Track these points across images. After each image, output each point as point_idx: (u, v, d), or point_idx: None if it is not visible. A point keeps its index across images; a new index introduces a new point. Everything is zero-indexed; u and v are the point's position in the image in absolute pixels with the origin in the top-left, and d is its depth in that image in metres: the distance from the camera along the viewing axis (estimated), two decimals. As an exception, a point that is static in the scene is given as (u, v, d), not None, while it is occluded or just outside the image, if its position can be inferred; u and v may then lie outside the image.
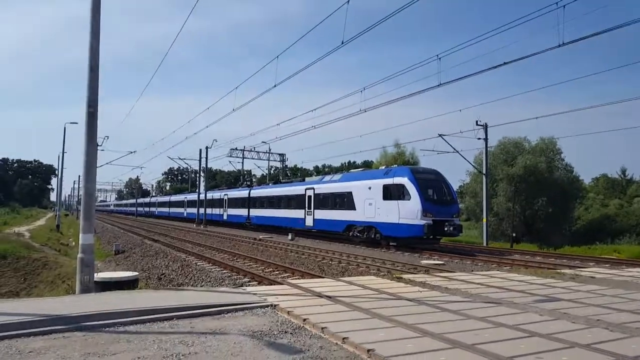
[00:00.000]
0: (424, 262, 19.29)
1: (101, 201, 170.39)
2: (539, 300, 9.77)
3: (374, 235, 27.03)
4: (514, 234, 37.25)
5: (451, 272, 15.37)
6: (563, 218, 46.97)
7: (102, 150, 54.99)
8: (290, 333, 6.90)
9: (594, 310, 8.76)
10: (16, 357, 5.66)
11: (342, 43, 17.90)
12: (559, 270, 15.62)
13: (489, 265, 18.75)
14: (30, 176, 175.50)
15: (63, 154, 57.20)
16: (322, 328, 6.94)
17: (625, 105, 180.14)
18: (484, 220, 34.30)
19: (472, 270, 16.29)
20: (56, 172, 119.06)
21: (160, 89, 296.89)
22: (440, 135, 33.80)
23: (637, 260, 20.86)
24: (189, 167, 73.56)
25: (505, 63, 17.92)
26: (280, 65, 22.86)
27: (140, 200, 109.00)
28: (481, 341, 6.35)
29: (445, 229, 24.15)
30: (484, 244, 32.55)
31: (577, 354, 5.93)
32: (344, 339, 6.37)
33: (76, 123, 52.18)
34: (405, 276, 13.32)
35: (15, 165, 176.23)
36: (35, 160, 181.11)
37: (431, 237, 24.78)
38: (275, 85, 23.02)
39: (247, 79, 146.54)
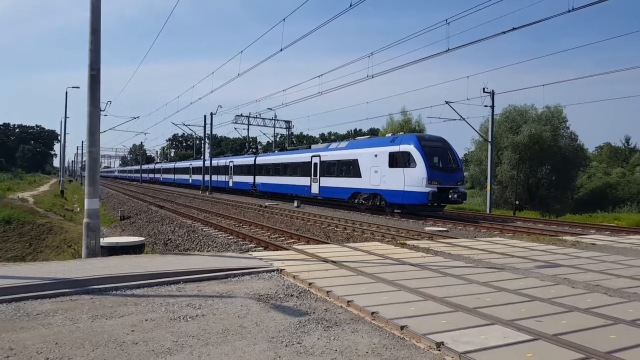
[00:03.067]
0: (428, 228, 19.39)
1: (105, 167, 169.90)
2: (540, 266, 9.89)
3: (379, 203, 27.10)
4: (517, 202, 37.28)
5: (454, 238, 15.48)
6: (566, 186, 47.04)
7: (106, 115, 55.00)
8: (296, 296, 7.03)
9: (593, 276, 8.87)
10: (24, 319, 5.75)
11: (350, 6, 17.61)
12: (560, 237, 15.71)
13: (492, 232, 18.83)
14: (32, 142, 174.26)
15: (65, 119, 57.03)
16: (327, 292, 7.06)
17: (632, 72, 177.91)
18: (488, 188, 34.32)
19: (475, 237, 16.38)
20: (59, 137, 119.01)
21: (163, 54, 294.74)
22: (447, 102, 33.46)
23: (637, 228, 20.88)
24: (193, 134, 73.32)
25: (514, 28, 17.68)
26: (286, 30, 22.58)
27: (145, 166, 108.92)
28: (483, 305, 6.47)
29: (450, 196, 24.18)
30: (488, 212, 32.60)
31: (576, 318, 6.03)
32: (348, 302, 6.49)
33: (78, 87, 52.20)
34: (409, 242, 13.44)
35: (17, 130, 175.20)
36: (37, 126, 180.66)
37: (436, 204, 24.90)
38: (281, 50, 22.56)
39: (252, 42, 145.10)
